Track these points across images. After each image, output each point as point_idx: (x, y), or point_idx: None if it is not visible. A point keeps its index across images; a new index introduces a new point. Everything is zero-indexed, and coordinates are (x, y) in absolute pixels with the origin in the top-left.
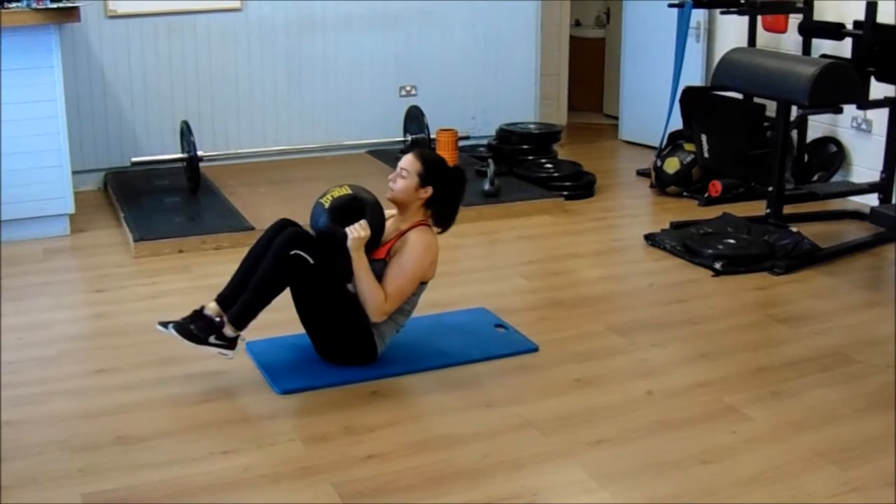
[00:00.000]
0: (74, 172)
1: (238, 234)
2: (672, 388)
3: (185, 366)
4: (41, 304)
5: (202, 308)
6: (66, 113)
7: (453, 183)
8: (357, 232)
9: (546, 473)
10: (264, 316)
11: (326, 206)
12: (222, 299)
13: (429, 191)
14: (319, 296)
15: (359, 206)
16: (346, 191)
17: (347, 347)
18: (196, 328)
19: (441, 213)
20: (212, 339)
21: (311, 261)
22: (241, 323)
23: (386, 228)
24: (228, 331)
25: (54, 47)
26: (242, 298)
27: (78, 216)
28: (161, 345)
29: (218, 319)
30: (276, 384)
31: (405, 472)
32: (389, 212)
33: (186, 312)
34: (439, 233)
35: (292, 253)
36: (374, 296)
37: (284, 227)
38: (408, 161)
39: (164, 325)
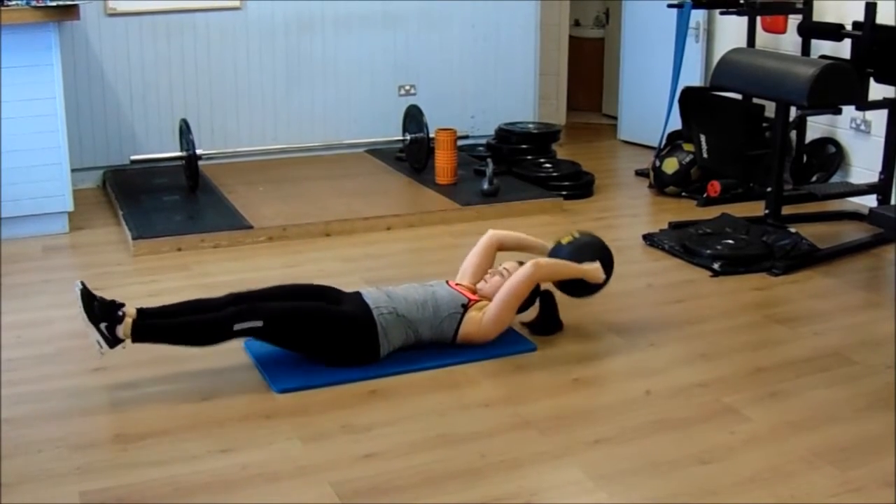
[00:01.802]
0: (73, 170)
1: (237, 232)
2: (670, 388)
3: (184, 364)
4: (40, 301)
5: (122, 304)
6: (65, 111)
7: (535, 298)
8: (598, 272)
9: (544, 473)
10: None
11: (603, 242)
12: (143, 310)
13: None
14: (296, 336)
15: (611, 263)
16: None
17: (348, 350)
18: (99, 307)
19: (544, 324)
20: (102, 326)
21: (259, 324)
22: (139, 335)
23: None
24: (121, 331)
25: (54, 45)
26: (163, 322)
27: (77, 214)
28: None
29: (120, 314)
30: (274, 383)
31: (403, 471)
32: (471, 297)
33: None
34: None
35: (235, 328)
36: (563, 271)
37: (240, 300)
38: (511, 265)
39: (83, 286)
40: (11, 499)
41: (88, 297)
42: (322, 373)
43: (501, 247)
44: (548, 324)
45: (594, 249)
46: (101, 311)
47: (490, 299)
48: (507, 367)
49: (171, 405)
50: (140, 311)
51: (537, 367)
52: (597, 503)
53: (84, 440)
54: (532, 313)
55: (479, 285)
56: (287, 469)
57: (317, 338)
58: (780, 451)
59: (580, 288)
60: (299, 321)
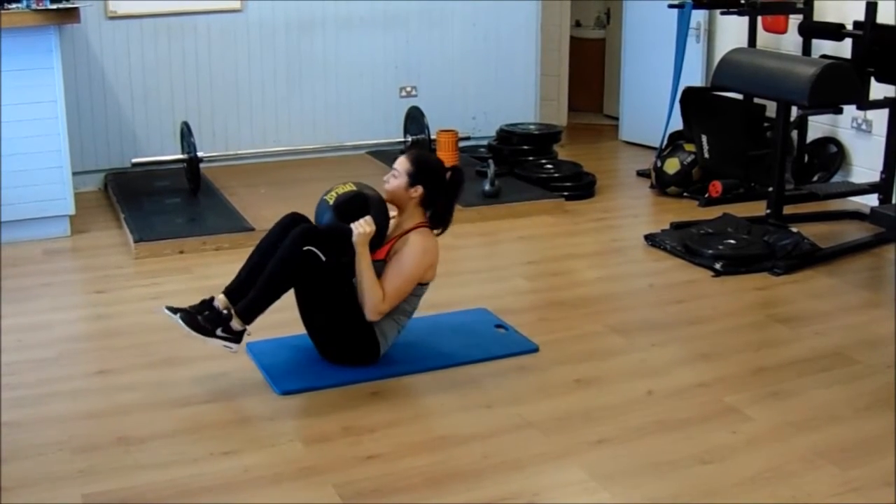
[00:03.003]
0: (75, 173)
1: (238, 234)
2: (672, 389)
3: (186, 367)
4: (41, 305)
5: (211, 299)
6: (66, 114)
7: (444, 182)
8: (362, 227)
9: (546, 474)
10: (264, 317)
11: (331, 202)
12: (230, 292)
13: (419, 190)
14: (326, 293)
15: (363, 202)
16: (350, 188)
17: (350, 346)
18: (204, 319)
19: (436, 212)
20: (218, 332)
21: (324, 258)
22: (248, 316)
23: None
24: (235, 324)
25: (54, 48)
26: (252, 292)
27: (78, 217)
28: (161, 346)
29: (226, 312)
30: (277, 385)
31: (405, 472)
32: (391, 213)
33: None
34: (438, 234)
35: (305, 249)
36: (373, 294)
37: (296, 222)
38: (399, 161)
39: (174, 311)
40: (14, 502)
41: (188, 316)
42: (324, 374)
43: None
44: (439, 211)
45: (337, 215)
46: (208, 322)
47: (396, 202)
48: (508, 367)
49: (173, 407)
50: (228, 293)
51: (539, 368)
52: (599, 503)
53: (86, 443)
54: None
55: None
56: (289, 471)
57: (338, 315)
58: (782, 451)
59: (380, 236)
60: (343, 282)
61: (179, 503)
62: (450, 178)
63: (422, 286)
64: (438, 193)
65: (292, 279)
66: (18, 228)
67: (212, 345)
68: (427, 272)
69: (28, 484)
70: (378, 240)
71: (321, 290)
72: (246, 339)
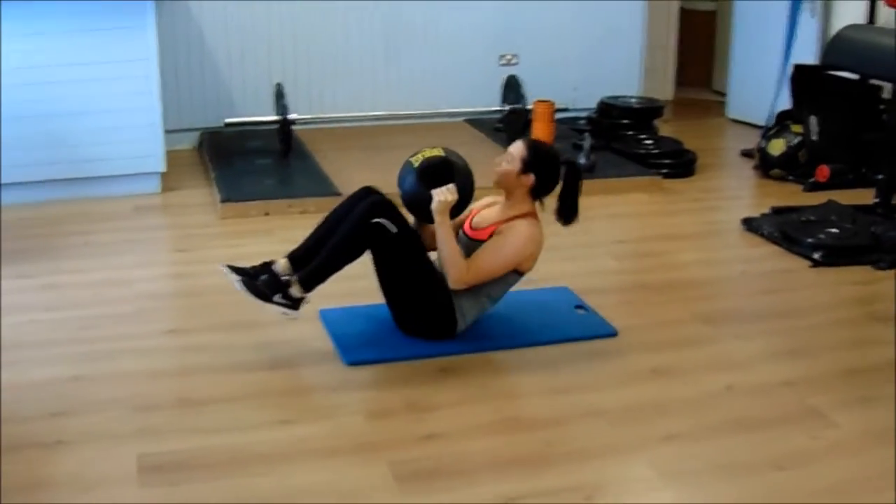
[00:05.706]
0: (170, 131)
1: (325, 199)
2: (753, 385)
3: (256, 331)
4: (125, 261)
5: (272, 262)
6: (163, 73)
7: (557, 175)
8: (444, 195)
9: (610, 467)
10: (341, 284)
11: (415, 165)
12: (294, 258)
13: (531, 178)
14: (400, 265)
15: (449, 168)
16: (438, 152)
17: (427, 319)
18: (263, 284)
19: (562, 209)
20: (277, 298)
21: (394, 230)
22: (309, 285)
23: (493, 213)
24: (295, 291)
25: (149, 7)
26: (315, 261)
27: (170, 175)
28: (234, 308)
29: (285, 278)
30: (345, 355)
31: (464, 454)
32: (498, 198)
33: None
34: (563, 224)
35: (373, 221)
36: (455, 263)
37: (369, 194)
38: (514, 146)
39: (233, 269)
40: (71, 456)
41: (247, 279)
42: (394, 346)
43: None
44: (564, 207)
45: (420, 179)
46: (266, 286)
47: (505, 187)
48: (583, 351)
49: (237, 372)
50: (291, 259)
51: (615, 354)
52: (661, 503)
53: (147, 402)
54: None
55: (493, 178)
56: (346, 445)
57: (414, 287)
58: (865, 463)
59: (462, 205)
60: (418, 253)
61: (231, 470)
62: (565, 174)
63: (516, 275)
64: (549, 185)
65: (356, 251)
66: (111, 184)
67: (269, 310)
68: (526, 262)
69: (88, 440)
70: (459, 209)
71: (397, 261)
72: (305, 305)
